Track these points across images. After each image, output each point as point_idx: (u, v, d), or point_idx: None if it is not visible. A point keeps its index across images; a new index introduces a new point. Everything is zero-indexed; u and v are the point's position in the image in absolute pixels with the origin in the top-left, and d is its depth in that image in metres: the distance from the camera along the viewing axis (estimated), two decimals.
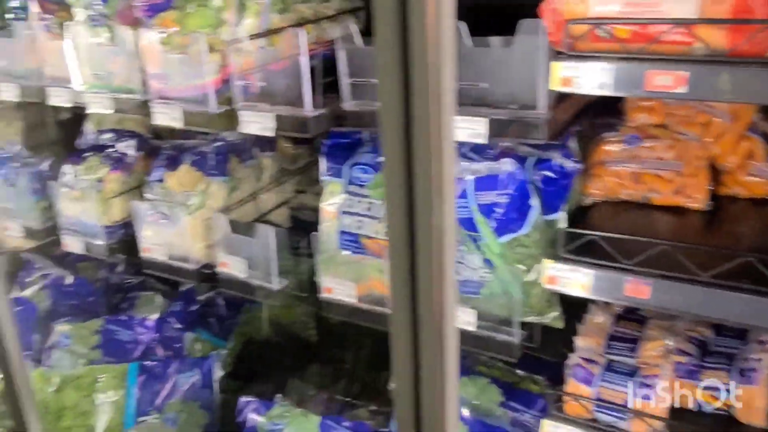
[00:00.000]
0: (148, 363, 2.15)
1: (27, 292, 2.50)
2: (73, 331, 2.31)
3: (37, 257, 2.66)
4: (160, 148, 2.27)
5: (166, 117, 1.79)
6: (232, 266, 1.95)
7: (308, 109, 1.59)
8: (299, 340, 2.58)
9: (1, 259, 1.42)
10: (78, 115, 2.64)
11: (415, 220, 0.88)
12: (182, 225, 2.00)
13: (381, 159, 1.73)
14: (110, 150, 2.30)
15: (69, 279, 2.53)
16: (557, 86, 1.31)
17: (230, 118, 1.73)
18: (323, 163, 1.78)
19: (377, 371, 2.48)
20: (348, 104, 1.60)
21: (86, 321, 2.35)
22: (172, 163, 2.14)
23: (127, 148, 2.28)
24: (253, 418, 1.88)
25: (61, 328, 2.33)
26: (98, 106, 1.95)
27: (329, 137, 1.78)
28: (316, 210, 2.27)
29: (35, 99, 2.13)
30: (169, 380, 2.13)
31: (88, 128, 2.48)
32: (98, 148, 2.34)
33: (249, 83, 1.68)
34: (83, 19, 1.90)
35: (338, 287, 1.77)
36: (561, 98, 1.43)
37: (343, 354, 2.48)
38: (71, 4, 1.92)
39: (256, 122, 1.66)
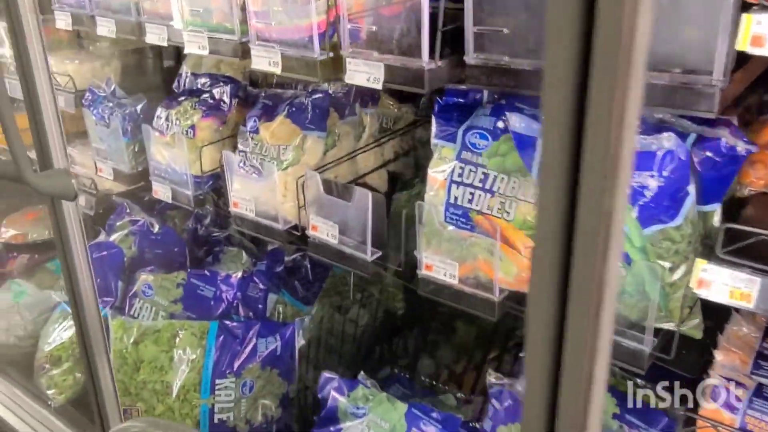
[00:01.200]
0: (228, 323, 2.03)
1: (114, 237, 2.44)
2: (157, 281, 2.22)
3: (130, 202, 2.60)
4: (257, 97, 2.12)
5: (265, 61, 1.62)
6: (323, 230, 1.78)
7: (425, 60, 1.38)
8: (387, 313, 2.43)
9: (74, 205, 1.30)
10: (177, 57, 2.54)
11: (577, 203, 0.66)
12: (273, 180, 1.85)
13: (501, 124, 1.51)
14: (205, 96, 2.17)
15: (156, 227, 2.45)
16: (746, 46, 1.04)
17: (335, 66, 1.55)
18: (435, 124, 1.56)
19: (467, 356, 2.30)
20: (471, 57, 1.37)
21: (170, 272, 2.26)
22: (268, 114, 1.98)
23: (222, 94, 2.14)
24: (335, 397, 1.73)
25: (145, 277, 2.24)
26: (195, 46, 1.81)
27: (444, 95, 1.56)
28: (416, 176, 2.08)
29: (131, 35, 2.02)
30: (248, 343, 2.00)
31: (185, 71, 2.36)
32: (194, 93, 2.22)
33: (359, 27, 1.48)
34: None
35: (440, 265, 1.58)
36: (740, 63, 1.15)
37: (434, 335, 2.30)
38: None
39: (364, 72, 1.46)
